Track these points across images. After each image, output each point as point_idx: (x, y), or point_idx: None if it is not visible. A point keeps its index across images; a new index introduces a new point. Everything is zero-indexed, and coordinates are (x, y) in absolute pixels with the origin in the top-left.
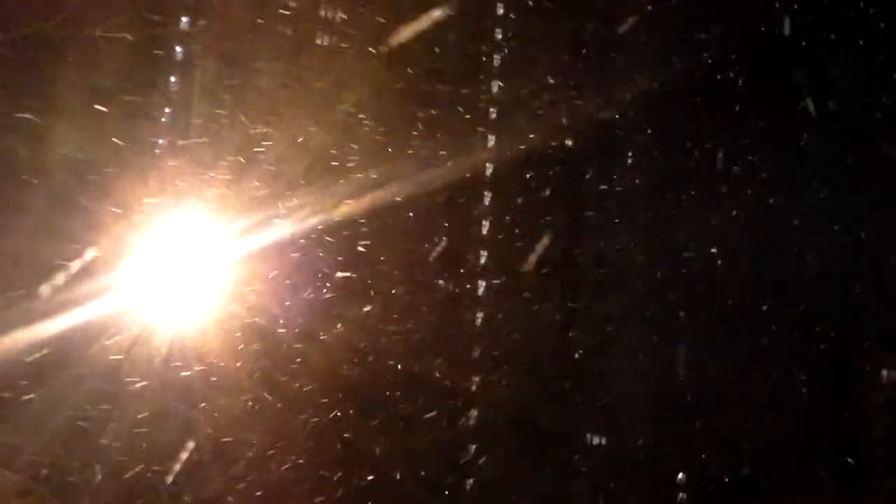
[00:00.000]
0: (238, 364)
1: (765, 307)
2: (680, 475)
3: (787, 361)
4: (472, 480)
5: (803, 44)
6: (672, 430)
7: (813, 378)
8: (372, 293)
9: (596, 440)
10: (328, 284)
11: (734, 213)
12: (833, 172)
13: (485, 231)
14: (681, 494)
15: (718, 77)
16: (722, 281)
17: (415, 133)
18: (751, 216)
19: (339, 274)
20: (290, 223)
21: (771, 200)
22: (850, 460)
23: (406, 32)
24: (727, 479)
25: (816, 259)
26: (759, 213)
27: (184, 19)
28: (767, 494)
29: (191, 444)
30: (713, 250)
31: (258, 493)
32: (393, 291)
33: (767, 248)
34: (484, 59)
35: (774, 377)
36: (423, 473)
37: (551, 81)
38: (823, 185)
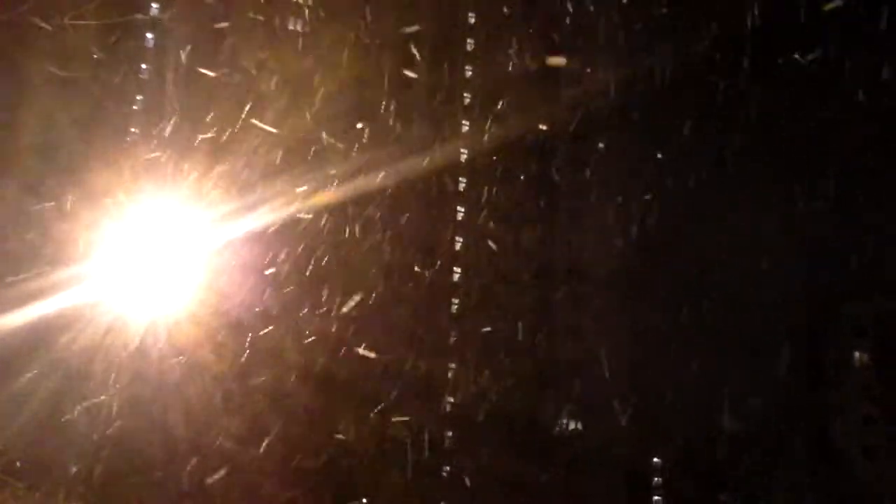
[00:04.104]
0: (214, 353)
1: (741, 295)
2: (655, 459)
3: (764, 348)
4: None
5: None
6: (648, 416)
7: (789, 363)
8: (349, 282)
9: (571, 426)
10: (304, 273)
11: (711, 206)
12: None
13: (460, 217)
14: (656, 479)
15: (702, 68)
16: (699, 269)
17: (390, 121)
18: (729, 210)
19: (315, 263)
20: (266, 212)
21: (744, 196)
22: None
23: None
24: (704, 464)
25: (791, 252)
26: (736, 207)
27: (154, 6)
28: (745, 476)
29: (166, 434)
30: (689, 240)
31: (236, 482)
32: (370, 279)
33: (744, 239)
34: (458, 45)
35: (751, 364)
36: (400, 460)
37: (526, 68)
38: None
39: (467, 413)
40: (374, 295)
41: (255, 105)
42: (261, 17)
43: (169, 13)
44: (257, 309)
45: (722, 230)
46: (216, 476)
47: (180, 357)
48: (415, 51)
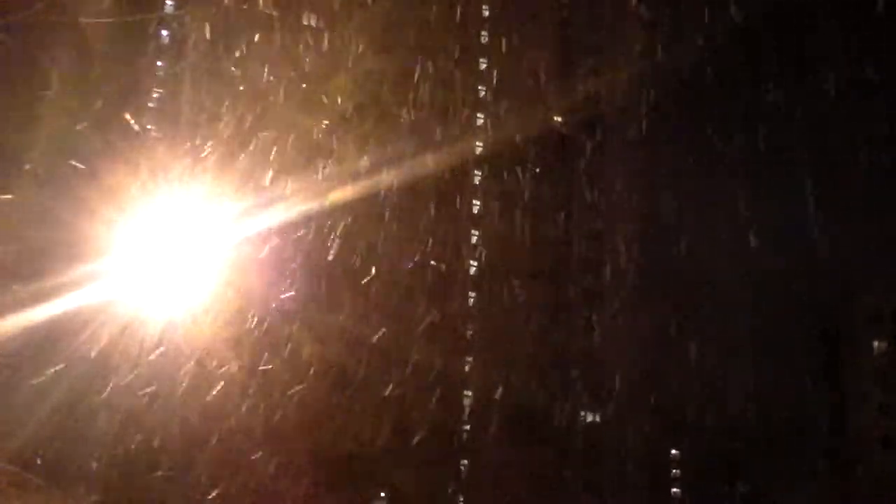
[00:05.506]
0: (232, 350)
1: (756, 289)
2: (673, 451)
3: (780, 339)
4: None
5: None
6: (665, 408)
7: (805, 354)
8: (366, 277)
9: (589, 418)
10: (320, 269)
11: (727, 198)
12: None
13: (476, 211)
14: (675, 471)
15: (715, 64)
16: (715, 261)
17: (405, 116)
18: (744, 202)
19: (331, 259)
20: (282, 208)
21: (759, 188)
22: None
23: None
24: (722, 454)
25: (805, 244)
26: (751, 199)
27: (169, 3)
28: (761, 469)
29: (185, 431)
30: (705, 234)
31: (254, 477)
32: (387, 274)
33: (760, 232)
34: (473, 39)
35: (768, 355)
36: (418, 455)
37: (542, 62)
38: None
39: (484, 407)
40: (390, 290)
41: (271, 101)
42: (275, 14)
43: (184, 10)
44: (274, 305)
45: (739, 222)
46: (234, 472)
47: (198, 354)
48: (428, 45)
